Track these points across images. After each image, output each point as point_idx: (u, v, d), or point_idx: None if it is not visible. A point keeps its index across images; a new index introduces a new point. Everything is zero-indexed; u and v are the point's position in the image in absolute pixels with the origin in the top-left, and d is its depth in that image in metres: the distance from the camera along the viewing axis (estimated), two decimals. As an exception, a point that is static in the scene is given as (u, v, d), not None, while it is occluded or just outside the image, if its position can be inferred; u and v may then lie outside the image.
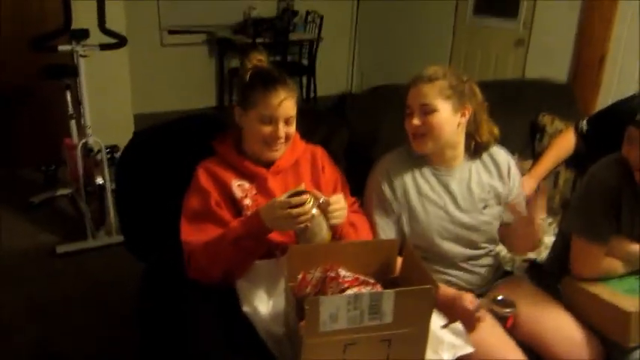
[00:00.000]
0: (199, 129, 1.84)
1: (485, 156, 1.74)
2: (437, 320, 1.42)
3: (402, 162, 1.70)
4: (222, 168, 1.61)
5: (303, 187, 1.48)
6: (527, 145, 2.46)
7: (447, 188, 1.68)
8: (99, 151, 3.15)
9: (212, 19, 5.51)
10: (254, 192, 1.60)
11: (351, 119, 2.07)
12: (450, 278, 1.68)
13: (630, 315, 1.46)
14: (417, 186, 1.67)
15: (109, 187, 3.08)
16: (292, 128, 1.61)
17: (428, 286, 1.23)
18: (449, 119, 1.60)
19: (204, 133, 1.74)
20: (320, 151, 1.76)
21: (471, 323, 1.45)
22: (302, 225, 1.41)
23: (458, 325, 1.44)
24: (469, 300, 1.49)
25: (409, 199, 1.66)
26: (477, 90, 1.68)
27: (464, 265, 1.70)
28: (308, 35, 5.81)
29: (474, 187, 1.69)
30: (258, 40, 5.11)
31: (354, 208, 1.71)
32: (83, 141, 3.14)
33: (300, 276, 1.37)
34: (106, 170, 3.11)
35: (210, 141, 1.69)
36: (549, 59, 4.07)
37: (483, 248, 1.72)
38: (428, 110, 1.59)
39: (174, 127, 1.88)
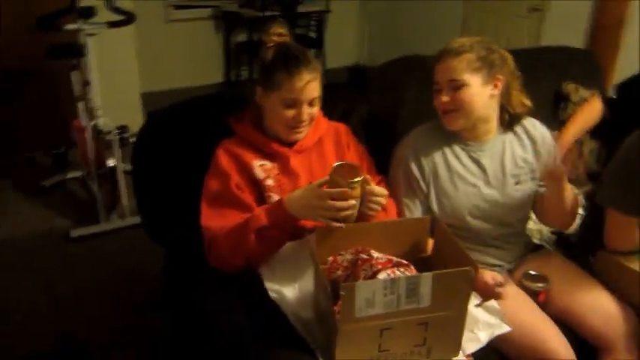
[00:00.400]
0: (215, 107, 1.79)
1: (518, 128, 1.67)
2: (472, 298, 1.37)
3: (430, 137, 1.64)
4: (243, 148, 1.56)
5: (356, 171, 1.35)
6: (551, 115, 2.38)
7: (478, 164, 1.62)
8: (109, 132, 3.09)
9: (218, -8, 5.40)
10: (276, 172, 1.55)
11: (371, 93, 2.00)
12: (478, 256, 1.64)
13: None
14: (447, 162, 1.62)
15: (121, 168, 3.04)
16: (316, 109, 1.55)
17: (467, 268, 1.18)
18: (480, 93, 1.53)
19: (220, 111, 1.69)
20: (344, 129, 1.70)
21: (490, 299, 1.42)
22: (346, 217, 1.34)
23: (493, 303, 1.41)
24: (490, 275, 1.45)
25: (438, 177, 1.61)
26: (509, 58, 1.61)
27: (494, 242, 1.65)
28: (316, 7, 5.69)
29: (506, 161, 1.63)
30: (267, 13, 5.01)
31: (383, 185, 1.65)
32: (93, 122, 3.09)
33: (330, 258, 1.33)
34: (118, 151, 3.05)
35: (226, 120, 1.63)
36: (566, 25, 3.97)
37: (515, 226, 1.67)
38: (457, 85, 1.53)
39: (189, 106, 1.83)
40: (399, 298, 1.15)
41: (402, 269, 1.28)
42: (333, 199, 1.32)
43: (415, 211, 1.63)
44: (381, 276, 1.23)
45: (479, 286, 1.43)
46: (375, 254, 1.30)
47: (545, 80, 2.43)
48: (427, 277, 1.15)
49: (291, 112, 1.51)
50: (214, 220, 1.48)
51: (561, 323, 1.52)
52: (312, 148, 1.61)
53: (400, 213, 1.63)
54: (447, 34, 1.67)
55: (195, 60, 5.51)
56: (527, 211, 1.69)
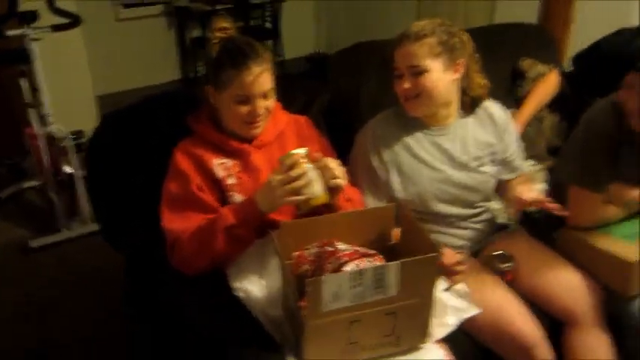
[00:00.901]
0: (171, 107, 1.74)
1: (479, 111, 1.67)
2: (439, 284, 1.38)
3: (390, 125, 1.62)
4: (202, 148, 1.52)
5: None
6: (508, 93, 2.40)
7: (440, 148, 1.61)
8: (63, 138, 3.00)
9: (167, -12, 5.29)
10: (237, 169, 1.51)
11: (331, 81, 1.96)
12: (445, 238, 1.64)
13: (631, 265, 1.45)
14: (409, 148, 1.60)
15: (79, 174, 2.95)
16: (271, 101, 1.51)
17: (433, 255, 1.18)
18: (441, 78, 1.52)
19: (176, 111, 1.65)
20: (305, 121, 1.68)
21: (449, 276, 1.43)
22: (303, 189, 1.32)
23: (462, 287, 1.41)
24: (447, 256, 1.45)
25: (400, 164, 1.59)
26: (469, 41, 1.59)
27: (460, 223, 1.65)
28: (269, -3, 5.62)
29: (469, 144, 1.62)
30: (218, 7, 4.93)
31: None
32: (45, 130, 2.99)
33: (296, 253, 1.31)
34: (74, 157, 2.96)
35: (183, 119, 1.59)
36: (518, 1, 4.00)
37: (480, 207, 1.67)
38: (418, 71, 1.50)
39: (144, 106, 1.78)
40: (366, 290, 1.14)
41: (369, 259, 1.26)
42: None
43: (377, 199, 1.61)
44: (348, 268, 1.21)
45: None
46: (341, 246, 1.28)
47: (501, 58, 2.44)
48: (393, 266, 1.14)
49: (245, 108, 1.47)
50: (176, 222, 1.44)
51: (529, 300, 1.53)
52: (273, 142, 1.58)
53: (364, 202, 1.61)
54: (403, 17, 1.66)
55: (150, 58, 5.39)
56: (490, 191, 1.69)
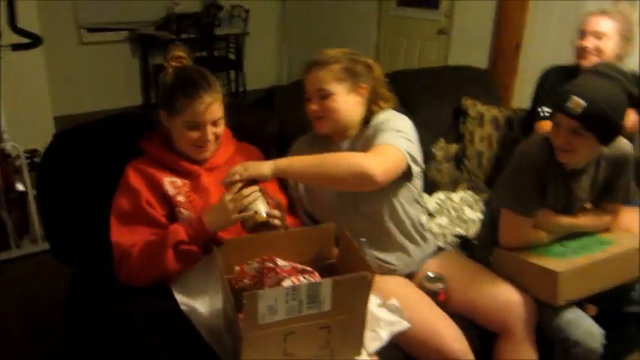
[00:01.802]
0: (123, 128, 1.79)
1: (372, 122, 1.72)
2: (373, 299, 1.44)
3: (305, 145, 1.77)
4: (153, 166, 1.57)
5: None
6: (451, 129, 2.54)
7: None
8: (17, 156, 2.99)
9: (133, 15, 5.35)
10: (187, 189, 1.57)
11: (280, 111, 2.07)
12: (376, 260, 1.70)
13: (558, 275, 1.55)
14: None
15: (31, 193, 2.94)
16: (221, 128, 1.59)
17: (364, 273, 1.24)
18: (345, 101, 1.65)
19: (129, 132, 1.70)
20: (256, 152, 1.77)
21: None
22: (251, 210, 1.43)
23: (394, 302, 1.48)
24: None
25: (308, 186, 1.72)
26: (375, 66, 1.74)
27: (384, 241, 1.72)
28: (234, 30, 5.74)
29: None
30: (183, 36, 5.01)
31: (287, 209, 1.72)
32: None
33: (237, 268, 1.36)
34: (27, 176, 2.96)
35: (135, 140, 1.64)
36: (470, 47, 4.21)
37: (388, 222, 1.71)
38: (324, 95, 1.64)
39: (97, 127, 1.81)
40: (300, 304, 1.19)
41: (306, 276, 1.32)
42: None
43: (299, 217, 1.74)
44: (286, 283, 1.27)
45: None
46: (280, 262, 1.34)
47: (447, 97, 2.59)
48: (327, 283, 1.20)
49: (195, 134, 1.54)
50: (124, 236, 1.48)
51: (463, 315, 1.63)
52: (222, 166, 1.64)
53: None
54: (363, 53, 1.77)
55: (113, 83, 5.42)
56: (405, 206, 1.73)
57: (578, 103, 1.52)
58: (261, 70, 6.05)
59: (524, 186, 1.67)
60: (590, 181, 1.72)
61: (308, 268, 1.36)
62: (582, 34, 2.15)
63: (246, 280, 1.35)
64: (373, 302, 1.44)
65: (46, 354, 2.26)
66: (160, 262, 1.43)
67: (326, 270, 1.41)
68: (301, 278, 1.31)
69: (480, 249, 1.87)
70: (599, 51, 2.09)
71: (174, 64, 1.58)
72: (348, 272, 1.30)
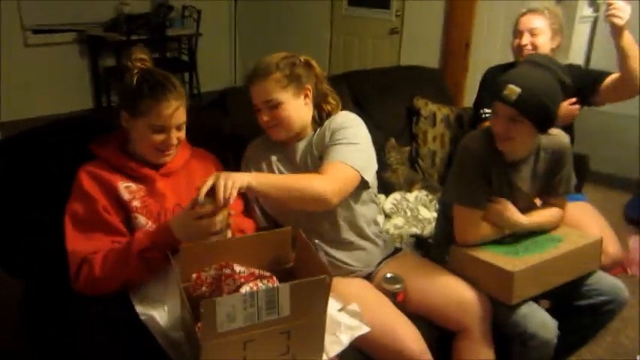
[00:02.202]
0: (72, 132, 1.74)
1: (326, 123, 1.76)
2: (333, 304, 1.45)
3: (259, 148, 1.79)
4: (106, 171, 1.54)
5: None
6: (405, 129, 2.58)
7: (292, 163, 1.74)
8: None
9: (81, 16, 5.21)
10: (142, 194, 1.55)
11: (233, 113, 2.06)
12: (334, 261, 1.72)
13: (513, 274, 1.59)
14: (269, 166, 1.74)
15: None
16: (183, 132, 1.59)
17: (322, 277, 1.25)
18: (294, 106, 1.68)
19: (78, 136, 1.66)
20: (212, 157, 1.77)
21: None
22: (217, 234, 1.41)
23: (354, 307, 1.49)
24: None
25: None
26: (314, 64, 1.76)
27: (342, 241, 1.74)
28: (186, 31, 5.67)
29: (312, 155, 1.72)
30: (133, 37, 4.92)
31: (242, 211, 1.73)
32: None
33: (194, 275, 1.35)
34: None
35: (85, 144, 1.60)
36: (421, 46, 4.29)
37: (346, 223, 1.74)
38: (272, 105, 1.66)
39: (44, 131, 1.76)
40: (259, 311, 1.19)
41: (264, 281, 1.33)
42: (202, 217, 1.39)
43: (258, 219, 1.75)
44: (244, 289, 1.27)
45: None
46: (238, 268, 1.33)
47: (399, 97, 2.63)
48: (285, 287, 1.20)
49: (160, 137, 1.53)
50: (82, 243, 1.45)
51: (421, 315, 1.66)
52: (179, 170, 1.63)
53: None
54: (317, 55, 1.78)
55: (62, 86, 5.27)
56: (361, 207, 1.76)
57: (513, 90, 1.59)
58: (215, 71, 6.00)
59: (469, 178, 1.73)
60: (530, 172, 1.77)
61: (266, 273, 1.36)
62: (518, 33, 2.24)
63: (203, 288, 1.34)
64: (333, 306, 1.45)
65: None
66: (123, 271, 1.41)
67: (284, 274, 1.42)
68: (259, 284, 1.31)
69: (435, 248, 1.91)
70: (535, 46, 2.19)
71: (138, 65, 1.55)
72: (305, 275, 1.31)
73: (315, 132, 1.76)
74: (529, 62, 1.69)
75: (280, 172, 1.74)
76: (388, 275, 1.71)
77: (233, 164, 1.85)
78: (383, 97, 2.57)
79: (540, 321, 1.64)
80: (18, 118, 4.51)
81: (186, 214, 1.40)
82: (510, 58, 2.36)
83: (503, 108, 1.62)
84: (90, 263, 1.42)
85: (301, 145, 1.74)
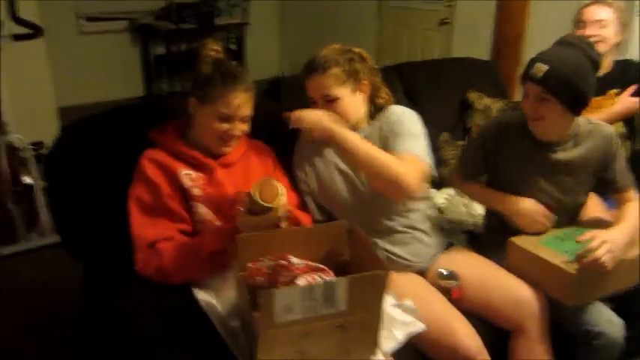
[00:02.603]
0: (130, 120, 1.80)
1: (381, 117, 1.76)
2: (388, 299, 1.45)
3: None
4: (168, 157, 1.57)
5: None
6: (458, 123, 2.54)
7: None
8: (23, 148, 2.99)
9: (133, 5, 5.29)
10: (202, 182, 1.57)
11: (285, 103, 2.06)
12: (389, 255, 1.72)
13: (574, 276, 1.55)
14: (324, 158, 1.75)
15: (38, 185, 2.94)
16: (247, 126, 1.61)
17: (380, 272, 1.25)
18: (351, 101, 1.69)
19: (136, 124, 1.71)
20: (268, 149, 1.78)
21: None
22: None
23: (409, 303, 1.49)
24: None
25: (318, 173, 1.74)
26: (367, 56, 1.76)
27: (402, 237, 1.73)
28: (234, 19, 5.70)
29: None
30: (183, 26, 4.97)
31: (298, 205, 1.73)
32: (5, 139, 2.97)
33: (250, 265, 1.37)
34: (34, 168, 2.95)
35: (142, 131, 1.64)
36: (473, 37, 4.19)
37: (402, 217, 1.74)
38: (330, 99, 1.66)
39: (104, 119, 1.81)
40: (316, 304, 1.20)
41: (320, 274, 1.33)
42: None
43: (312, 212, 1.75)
44: (300, 281, 1.28)
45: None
46: (294, 260, 1.34)
47: (450, 89, 2.59)
48: (343, 281, 1.21)
49: (225, 126, 1.55)
50: (148, 228, 1.49)
51: (476, 313, 1.63)
52: (237, 162, 1.65)
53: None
54: (364, 46, 1.78)
55: (114, 73, 5.38)
56: (418, 201, 1.76)
57: (540, 68, 1.58)
58: (263, 60, 6.01)
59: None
60: (568, 157, 1.72)
61: (322, 266, 1.36)
62: (581, 24, 2.17)
63: (259, 278, 1.35)
64: (388, 302, 1.45)
65: (52, 348, 2.27)
66: (194, 268, 1.47)
67: (338, 267, 1.42)
68: (315, 277, 1.32)
69: (490, 244, 1.88)
70: (602, 38, 2.11)
71: (212, 53, 1.58)
72: (360, 270, 1.31)
73: (368, 125, 1.75)
74: (561, 43, 1.67)
75: (336, 165, 1.74)
76: (444, 272, 1.69)
77: (283, 153, 1.86)
78: (435, 89, 2.54)
79: (607, 319, 1.60)
80: (74, 104, 4.62)
81: (253, 220, 1.41)
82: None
83: (532, 87, 1.62)
84: (160, 252, 1.46)
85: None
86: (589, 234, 1.58)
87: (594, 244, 1.53)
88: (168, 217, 1.51)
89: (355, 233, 1.47)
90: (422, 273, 1.76)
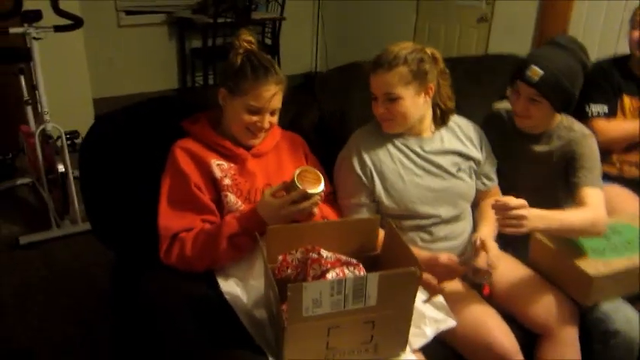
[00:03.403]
0: (163, 111, 1.80)
1: (451, 123, 1.77)
2: (418, 294, 1.41)
3: (371, 136, 1.72)
4: (200, 147, 1.57)
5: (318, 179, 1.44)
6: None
7: (419, 156, 1.70)
8: (58, 137, 3.03)
9: (171, -2, 5.36)
10: (233, 172, 1.57)
11: (320, 98, 2.04)
12: (430, 246, 1.68)
13: (592, 279, 1.52)
14: (391, 157, 1.69)
15: (72, 174, 2.98)
16: (276, 118, 1.60)
17: (412, 269, 1.21)
18: (413, 103, 1.62)
19: (170, 115, 1.70)
20: (300, 140, 1.76)
21: (453, 277, 1.53)
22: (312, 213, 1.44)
23: (440, 299, 1.45)
24: (446, 257, 1.52)
25: (383, 170, 1.67)
26: (439, 58, 1.70)
27: (443, 233, 1.70)
28: (270, 14, 5.71)
29: (445, 153, 1.72)
30: (220, 20, 5.00)
31: (330, 198, 1.71)
32: (41, 127, 3.02)
33: (280, 257, 1.35)
34: (67, 157, 2.99)
35: (175, 123, 1.64)
36: (512, 35, 4.10)
37: (461, 208, 1.74)
38: (391, 98, 1.61)
39: (138, 110, 1.82)
40: (345, 298, 1.17)
41: (350, 268, 1.30)
42: (295, 203, 1.40)
43: (360, 209, 1.68)
44: (330, 275, 1.25)
45: (440, 271, 1.51)
46: (325, 253, 1.32)
47: (489, 86, 2.51)
48: (373, 277, 1.17)
49: (254, 118, 1.54)
50: (173, 220, 1.49)
51: (505, 313, 1.59)
52: (269, 153, 1.65)
53: (343, 213, 1.69)
54: (401, 39, 1.73)
55: (150, 66, 5.44)
56: (471, 192, 1.76)
57: (536, 71, 1.65)
58: (297, 55, 6.02)
59: None
60: (547, 149, 1.79)
61: (353, 260, 1.33)
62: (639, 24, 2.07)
63: (289, 270, 1.34)
64: (418, 297, 1.40)
65: (83, 334, 2.31)
66: (213, 253, 1.44)
67: (371, 262, 1.39)
68: (346, 271, 1.29)
69: (513, 241, 1.82)
70: None
71: (245, 45, 1.57)
72: (392, 265, 1.29)
73: (439, 129, 1.74)
74: (553, 43, 1.72)
75: (402, 164, 1.69)
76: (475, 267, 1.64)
77: (318, 147, 1.84)
78: (472, 86, 2.46)
79: (624, 317, 1.56)
80: (109, 95, 4.70)
81: (276, 201, 1.41)
82: (610, 49, 2.21)
83: (525, 88, 1.68)
84: (182, 241, 1.46)
85: (428, 141, 1.72)
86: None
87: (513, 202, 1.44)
88: (195, 208, 1.51)
89: (389, 227, 1.43)
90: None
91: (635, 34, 2.09)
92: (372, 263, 1.38)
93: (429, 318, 1.40)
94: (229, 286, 1.45)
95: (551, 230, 1.60)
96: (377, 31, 5.26)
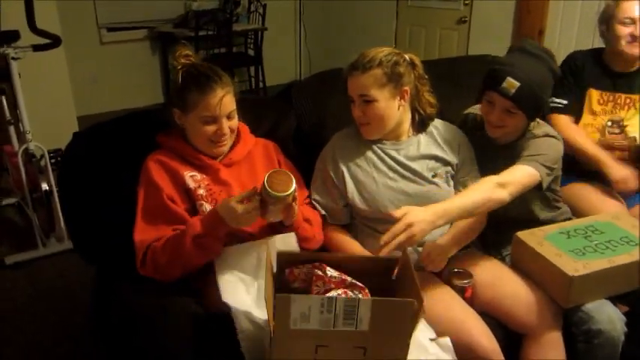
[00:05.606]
0: (142, 126, 1.79)
1: (431, 128, 1.77)
2: (426, 331, 1.42)
3: (351, 138, 1.75)
4: (172, 159, 1.58)
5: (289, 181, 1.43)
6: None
7: (395, 160, 1.70)
8: (42, 156, 3.02)
9: (152, 13, 5.36)
10: (207, 183, 1.58)
11: (297, 106, 2.04)
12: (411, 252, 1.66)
13: (572, 279, 1.50)
14: (366, 159, 1.71)
15: (56, 192, 2.96)
16: (235, 121, 1.60)
17: (409, 300, 1.17)
18: (388, 106, 1.63)
19: (148, 130, 1.70)
20: (273, 146, 1.77)
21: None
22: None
23: (447, 341, 1.42)
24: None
25: (356, 173, 1.69)
26: (418, 63, 1.70)
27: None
28: (252, 25, 5.72)
29: (421, 158, 1.71)
30: (201, 33, 5.00)
31: (308, 201, 1.73)
32: (24, 147, 3.00)
33: (287, 270, 1.35)
34: (51, 175, 2.98)
35: (154, 137, 1.64)
36: (491, 35, 4.15)
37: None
38: (366, 100, 1.62)
39: (116, 125, 1.81)
40: (336, 318, 1.15)
41: (355, 292, 1.29)
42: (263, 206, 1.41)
43: (325, 206, 1.72)
44: (331, 295, 1.25)
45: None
46: (330, 272, 1.31)
47: (470, 88, 2.52)
48: (366, 301, 1.15)
49: (211, 128, 1.54)
50: (147, 232, 1.50)
51: (488, 314, 1.59)
52: (241, 161, 1.65)
53: (315, 209, 1.72)
54: (382, 45, 1.74)
55: (134, 81, 5.44)
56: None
57: (512, 83, 1.61)
58: (281, 65, 6.04)
59: None
60: (517, 155, 1.71)
61: (359, 284, 1.32)
62: (629, 20, 2.04)
63: (295, 284, 1.34)
64: (424, 334, 1.40)
65: (72, 350, 2.29)
66: (181, 256, 1.44)
67: (384, 291, 1.34)
68: (350, 293, 1.28)
69: (494, 244, 1.85)
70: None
71: (183, 61, 1.58)
72: (402, 296, 1.25)
73: (417, 134, 1.74)
74: (522, 51, 1.69)
75: (376, 168, 1.69)
76: (456, 269, 1.65)
77: (296, 155, 1.86)
78: (452, 87, 2.48)
79: (607, 317, 1.55)
80: (94, 112, 4.68)
81: (235, 205, 1.40)
82: (587, 46, 2.22)
83: (500, 99, 1.65)
84: (154, 250, 1.47)
85: (405, 145, 1.72)
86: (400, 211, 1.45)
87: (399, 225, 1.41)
88: (168, 219, 1.51)
89: (404, 256, 1.40)
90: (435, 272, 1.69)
91: (621, 29, 2.04)
92: (386, 291, 1.33)
93: (432, 354, 1.36)
94: (230, 293, 1.41)
95: (458, 218, 1.57)
96: (359, 37, 5.30)
